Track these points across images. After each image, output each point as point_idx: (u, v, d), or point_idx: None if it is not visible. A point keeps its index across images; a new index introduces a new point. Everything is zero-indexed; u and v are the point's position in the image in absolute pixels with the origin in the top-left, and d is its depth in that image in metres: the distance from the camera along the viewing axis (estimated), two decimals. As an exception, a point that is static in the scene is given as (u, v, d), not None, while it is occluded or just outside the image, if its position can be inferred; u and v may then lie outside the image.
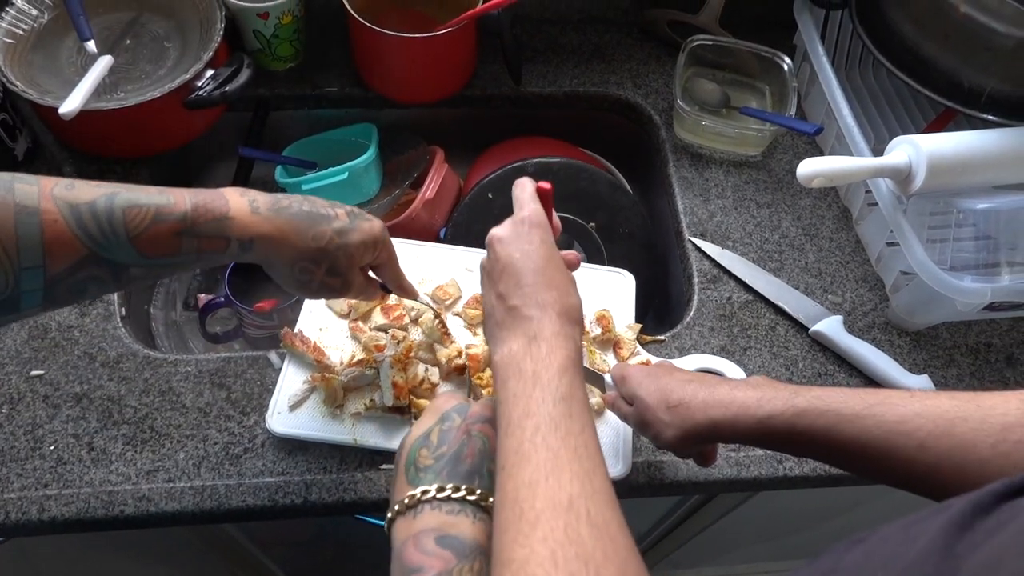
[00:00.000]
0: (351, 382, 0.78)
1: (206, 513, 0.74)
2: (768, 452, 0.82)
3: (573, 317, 0.57)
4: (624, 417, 0.68)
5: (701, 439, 0.62)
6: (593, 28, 1.16)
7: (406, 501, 0.53)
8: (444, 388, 0.80)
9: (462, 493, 0.53)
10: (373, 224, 0.65)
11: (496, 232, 0.61)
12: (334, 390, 0.77)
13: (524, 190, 0.63)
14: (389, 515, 0.54)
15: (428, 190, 1.00)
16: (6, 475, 0.74)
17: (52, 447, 0.76)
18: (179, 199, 0.55)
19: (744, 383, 0.62)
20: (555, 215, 0.65)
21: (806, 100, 1.09)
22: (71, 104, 0.83)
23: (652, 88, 1.11)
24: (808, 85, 1.08)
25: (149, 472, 0.76)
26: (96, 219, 0.52)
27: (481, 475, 0.54)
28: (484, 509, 0.53)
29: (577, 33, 1.15)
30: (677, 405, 0.62)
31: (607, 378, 0.71)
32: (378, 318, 0.83)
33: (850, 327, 0.90)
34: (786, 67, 1.04)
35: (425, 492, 0.53)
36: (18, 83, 0.87)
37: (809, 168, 0.82)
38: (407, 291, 0.74)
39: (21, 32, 0.92)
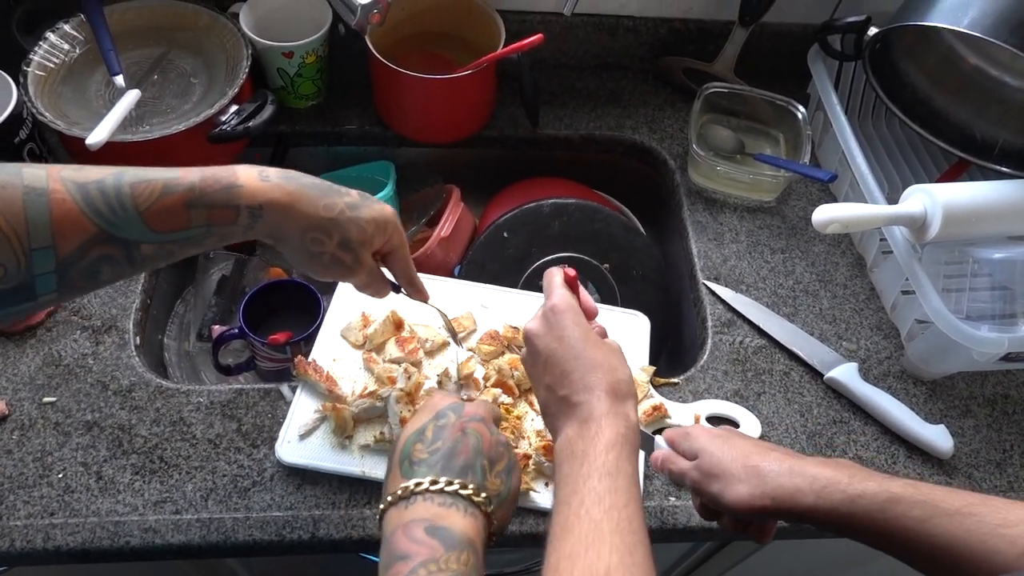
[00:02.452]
0: (362, 413, 0.78)
1: (212, 546, 0.73)
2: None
3: (623, 391, 0.58)
4: (680, 473, 0.65)
5: (774, 508, 0.58)
6: (609, 74, 1.18)
7: (399, 492, 0.54)
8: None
9: (455, 487, 0.54)
10: (385, 207, 0.65)
11: (530, 327, 0.63)
12: (344, 420, 0.77)
13: (551, 281, 0.65)
14: (381, 506, 0.55)
15: (444, 228, 1.01)
16: (13, 502, 0.74)
17: (60, 475, 0.76)
18: (186, 172, 0.55)
19: (833, 462, 0.60)
20: (587, 296, 0.67)
21: (820, 148, 1.10)
22: (98, 135, 0.85)
23: (667, 133, 1.12)
24: (822, 134, 1.09)
25: (156, 503, 0.75)
26: (104, 196, 0.51)
27: (474, 471, 0.56)
28: (476, 504, 0.54)
29: (594, 78, 1.17)
30: (757, 466, 0.60)
31: (659, 440, 0.69)
32: (392, 350, 0.83)
33: (865, 375, 0.89)
34: (800, 115, 1.06)
35: (419, 484, 0.53)
36: (47, 113, 0.88)
37: (825, 214, 0.82)
38: (417, 288, 0.72)
39: (52, 65, 0.94)
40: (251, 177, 0.57)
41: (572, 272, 0.65)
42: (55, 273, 0.51)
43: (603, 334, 0.65)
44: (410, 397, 0.78)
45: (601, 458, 0.54)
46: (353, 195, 0.63)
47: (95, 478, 0.76)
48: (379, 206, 0.64)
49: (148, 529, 0.73)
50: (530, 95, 1.03)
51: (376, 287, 0.69)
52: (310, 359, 0.82)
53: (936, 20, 0.87)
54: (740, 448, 0.62)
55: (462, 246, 1.05)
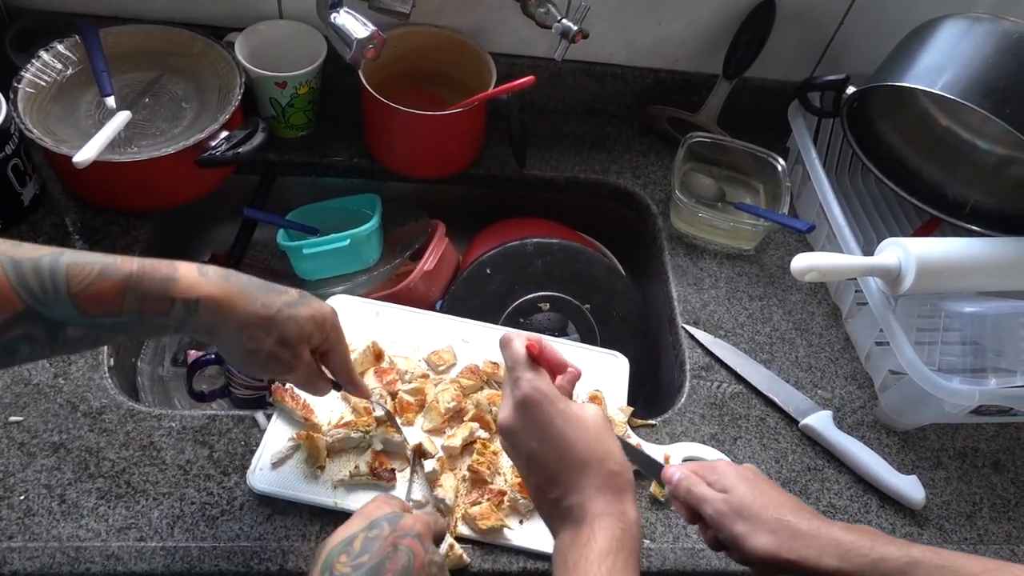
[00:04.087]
0: (336, 443, 0.77)
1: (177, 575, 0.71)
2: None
3: (618, 486, 0.56)
4: (702, 499, 0.63)
5: (795, 565, 0.58)
6: (596, 119, 1.20)
7: None
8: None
9: None
10: (324, 305, 0.65)
11: (504, 422, 0.59)
12: (317, 449, 0.76)
13: (514, 355, 0.60)
14: None
15: (427, 262, 1.01)
16: (-30, 523, 0.71)
17: (22, 497, 0.73)
18: (127, 261, 0.55)
19: (856, 527, 0.60)
20: (552, 351, 0.62)
21: (798, 200, 1.12)
22: (86, 154, 0.85)
23: (650, 179, 1.14)
24: (800, 186, 1.12)
25: (120, 529, 0.73)
26: (38, 274, 0.51)
27: None
28: None
29: (581, 123, 1.19)
30: (787, 522, 0.59)
31: (674, 475, 0.66)
32: (371, 382, 0.83)
33: (839, 423, 0.90)
34: (780, 168, 1.09)
35: None
36: (35, 130, 0.88)
37: (803, 262, 0.84)
38: (357, 387, 0.71)
39: (43, 83, 0.94)
40: (190, 271, 0.57)
41: (536, 347, 0.60)
42: None
43: (576, 379, 0.63)
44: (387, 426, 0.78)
45: (593, 569, 0.51)
46: (292, 294, 0.63)
47: (58, 501, 0.74)
48: (318, 304, 0.64)
49: (110, 556, 0.71)
50: (518, 135, 1.05)
51: (315, 385, 0.68)
52: (287, 386, 0.81)
53: (911, 81, 0.91)
54: (772, 497, 0.62)
55: (445, 281, 1.05)
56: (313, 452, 0.76)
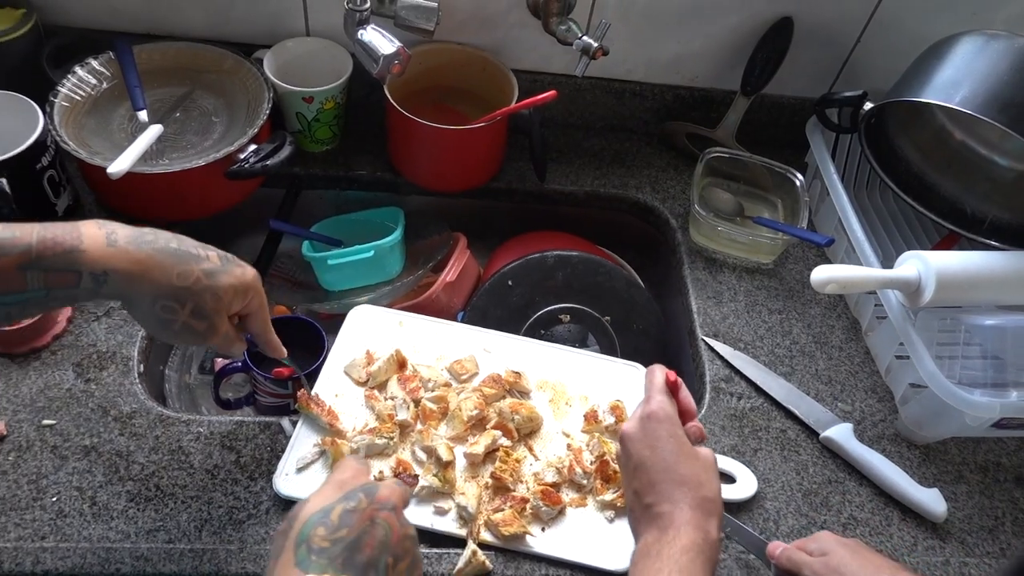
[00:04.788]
0: (361, 449, 0.78)
1: (204, 578, 0.72)
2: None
3: (708, 509, 0.60)
4: (799, 563, 0.67)
5: None
6: (615, 135, 1.22)
7: None
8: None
9: None
10: (246, 270, 0.63)
11: (627, 430, 0.65)
12: (342, 455, 0.77)
13: (653, 382, 0.67)
14: None
15: (449, 273, 1.03)
16: (4, 523, 0.73)
17: (54, 498, 0.75)
18: (25, 233, 0.53)
19: None
20: (687, 395, 0.69)
21: (816, 215, 1.13)
22: (120, 165, 0.87)
23: (669, 194, 1.16)
24: (818, 201, 1.13)
25: (150, 532, 0.74)
26: None
27: (377, 570, 0.51)
28: None
29: (600, 139, 1.21)
30: None
31: (777, 549, 0.71)
32: (394, 389, 0.84)
33: (860, 436, 0.90)
34: (798, 183, 1.10)
35: None
36: (70, 142, 0.91)
37: (823, 274, 0.85)
38: (273, 347, 0.70)
39: (78, 98, 0.97)
40: (96, 241, 0.55)
41: (674, 376, 0.68)
42: None
43: (700, 436, 0.67)
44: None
45: (676, 556, 0.55)
46: (213, 259, 0.61)
47: (89, 503, 0.75)
48: (239, 270, 0.62)
49: (140, 557, 0.72)
50: (539, 150, 1.07)
51: (231, 349, 0.67)
52: (313, 392, 0.82)
53: (929, 97, 0.92)
54: (870, 561, 0.65)
55: (466, 292, 1.06)
56: (338, 458, 0.77)
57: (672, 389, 0.68)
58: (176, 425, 0.82)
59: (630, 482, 0.63)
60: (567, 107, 1.19)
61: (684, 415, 0.67)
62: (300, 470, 0.78)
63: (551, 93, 0.96)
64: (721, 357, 0.97)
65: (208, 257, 0.61)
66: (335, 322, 0.94)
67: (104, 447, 0.79)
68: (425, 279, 1.07)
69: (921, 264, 0.87)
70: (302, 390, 0.82)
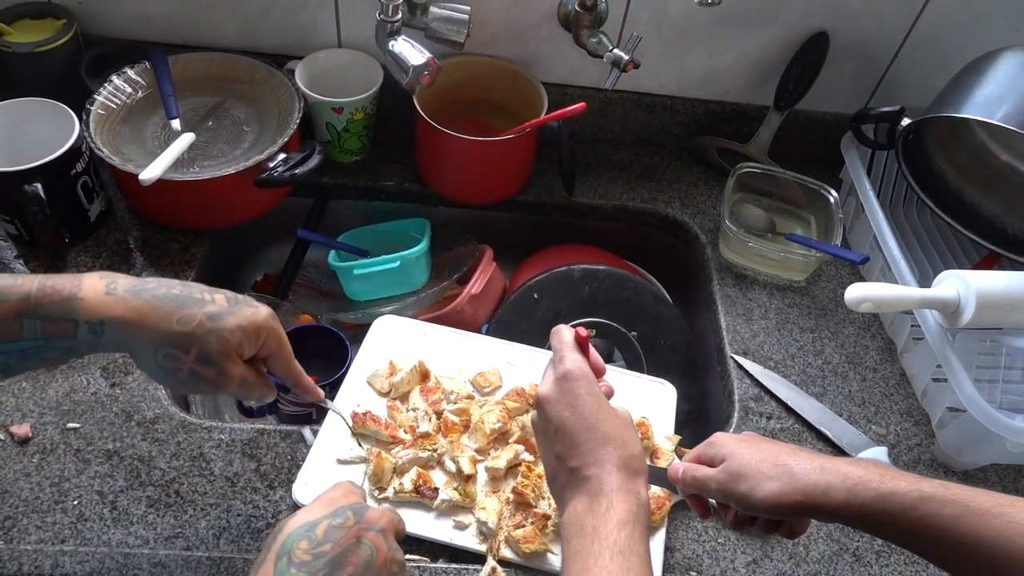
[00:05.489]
0: (406, 464, 0.77)
1: (221, 586, 0.71)
2: (808, 583, 0.78)
3: (633, 468, 0.58)
4: (704, 479, 0.63)
5: (804, 505, 0.58)
6: (644, 150, 1.21)
7: None
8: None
9: None
10: (258, 310, 0.59)
11: (542, 392, 0.62)
12: (383, 471, 0.76)
13: (562, 340, 0.64)
14: None
15: (475, 285, 1.02)
16: (25, 526, 0.73)
17: (76, 502, 0.75)
18: (26, 281, 0.53)
19: (861, 462, 0.61)
20: (596, 355, 0.66)
21: (850, 233, 1.11)
22: (152, 172, 0.88)
23: (699, 209, 1.14)
24: (852, 219, 1.11)
25: (168, 538, 0.74)
26: None
27: None
28: None
29: (629, 153, 1.20)
30: (787, 464, 0.60)
31: (678, 470, 0.67)
32: (417, 400, 0.83)
33: (895, 460, 0.88)
34: (832, 199, 1.07)
35: None
36: (104, 149, 0.92)
37: (858, 292, 0.82)
38: (307, 388, 0.65)
39: (113, 106, 0.98)
40: (95, 290, 0.53)
41: (584, 332, 0.64)
42: None
43: (609, 393, 0.64)
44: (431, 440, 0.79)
45: (613, 535, 0.53)
46: (219, 301, 0.57)
47: (110, 508, 0.75)
48: (249, 311, 0.58)
49: (158, 564, 0.72)
50: (567, 163, 1.06)
51: (258, 394, 0.62)
52: (364, 410, 0.80)
53: (970, 112, 0.90)
54: (768, 450, 0.62)
55: (492, 305, 1.05)
56: (379, 472, 0.76)
57: (582, 346, 0.64)
58: (198, 432, 0.82)
59: (551, 447, 0.61)
60: (596, 121, 1.18)
61: (595, 370, 0.64)
62: (340, 462, 0.78)
63: (581, 105, 0.95)
64: (751, 376, 0.95)
65: (214, 300, 0.57)
66: (359, 332, 0.93)
67: (126, 451, 0.79)
68: (450, 291, 1.06)
69: (961, 284, 0.84)
70: (353, 411, 0.80)
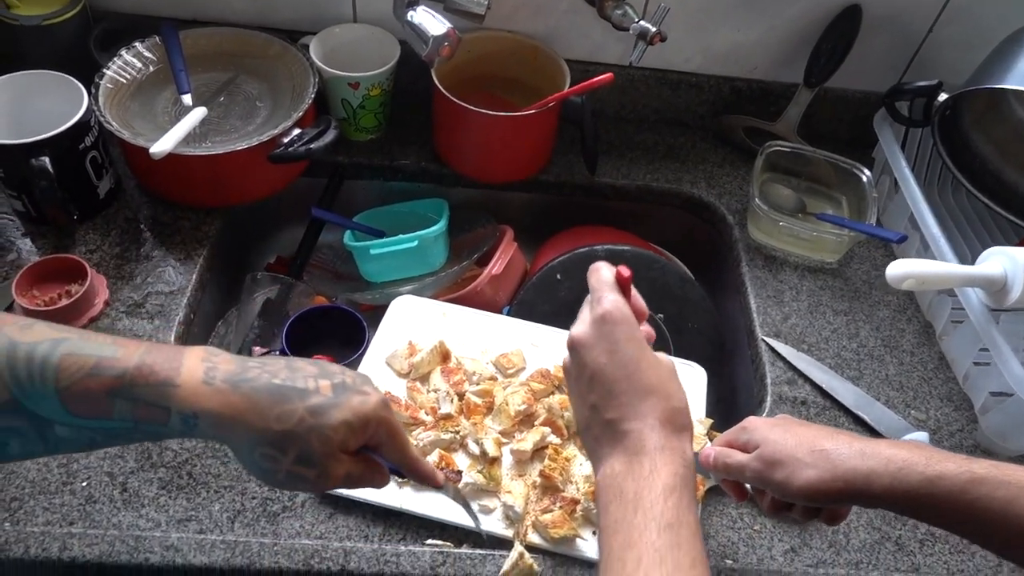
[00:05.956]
0: (428, 446, 0.74)
1: (236, 571, 0.68)
2: (852, 571, 0.74)
3: (679, 423, 0.52)
4: (739, 466, 0.60)
5: (845, 492, 0.55)
6: (668, 130, 1.17)
7: None
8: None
9: None
10: (367, 400, 0.52)
11: (577, 334, 0.55)
12: None
13: (600, 279, 0.56)
14: None
15: (495, 266, 0.98)
16: (32, 507, 0.70)
17: (84, 483, 0.72)
18: (127, 354, 0.48)
19: (905, 443, 0.57)
20: (638, 297, 0.58)
21: (884, 214, 1.07)
22: (163, 145, 0.85)
23: (725, 189, 1.10)
24: (886, 200, 1.07)
25: (181, 521, 0.70)
26: (30, 362, 0.45)
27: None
28: None
29: (652, 133, 1.16)
30: (825, 450, 0.56)
31: (709, 455, 0.64)
32: (437, 381, 0.80)
33: (937, 446, 0.83)
34: (865, 178, 1.04)
35: None
36: (114, 123, 0.89)
37: (900, 269, 0.79)
38: (425, 476, 0.58)
39: (123, 80, 0.95)
40: (194, 376, 0.48)
41: (627, 272, 0.56)
42: None
43: (651, 339, 0.57)
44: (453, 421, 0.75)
45: (659, 505, 0.47)
46: (323, 390, 0.51)
47: (120, 489, 0.72)
48: (357, 400, 0.51)
49: (170, 547, 0.68)
50: (590, 140, 1.03)
51: (368, 483, 0.55)
52: (384, 391, 0.77)
53: (1012, 83, 0.86)
54: (803, 434, 0.58)
55: (513, 286, 1.02)
56: None
57: (623, 287, 0.56)
58: (211, 412, 0.79)
59: (584, 396, 0.54)
60: (619, 99, 1.15)
61: (636, 313, 0.56)
62: None
63: (607, 76, 0.91)
64: (783, 359, 0.91)
65: (318, 389, 0.51)
66: (376, 315, 0.90)
67: (137, 433, 0.76)
68: (469, 272, 1.03)
69: (1008, 261, 0.80)
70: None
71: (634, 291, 0.58)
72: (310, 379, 0.51)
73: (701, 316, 0.98)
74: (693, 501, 0.49)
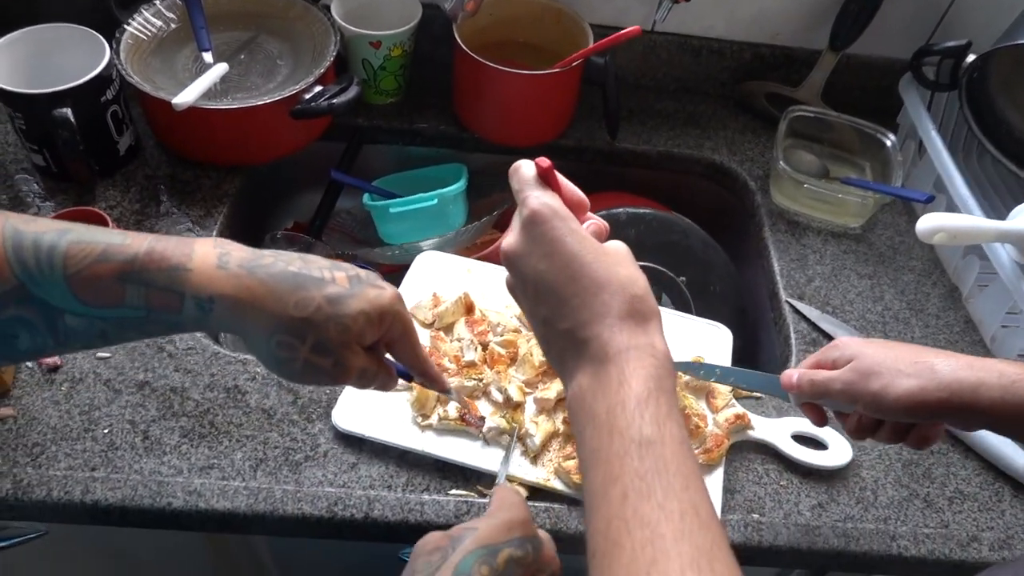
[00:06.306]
0: (453, 392, 0.73)
1: (258, 517, 0.67)
2: (880, 526, 0.73)
3: (641, 312, 0.45)
4: (826, 382, 0.59)
5: (948, 404, 0.53)
6: (689, 97, 1.16)
7: None
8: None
9: None
10: (382, 292, 0.51)
11: (507, 245, 0.48)
12: (427, 397, 0.72)
13: (521, 178, 0.49)
14: None
15: (516, 227, 0.97)
16: (55, 453, 0.69)
17: (106, 430, 0.71)
18: (136, 242, 0.47)
19: (1019, 362, 0.56)
20: (570, 186, 0.50)
21: (908, 180, 1.05)
22: (185, 97, 0.84)
23: (747, 156, 1.09)
24: (910, 165, 1.05)
25: (203, 468, 0.70)
26: (36, 249, 0.45)
27: None
28: None
29: (673, 100, 1.15)
30: (929, 362, 0.54)
31: (792, 376, 0.63)
32: (462, 331, 0.79)
33: (964, 406, 0.82)
34: (890, 142, 1.02)
35: None
36: (135, 76, 0.88)
37: (932, 223, 0.78)
38: (433, 378, 0.58)
39: (143, 37, 0.95)
40: (207, 261, 0.47)
41: (546, 162, 0.48)
42: None
43: (600, 233, 0.49)
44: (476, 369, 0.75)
45: (636, 423, 0.41)
46: (340, 281, 0.50)
47: (141, 437, 0.71)
48: (373, 292, 0.51)
49: (192, 492, 0.68)
50: (613, 103, 1.02)
51: (375, 383, 0.55)
52: None
53: (1047, 39, 0.85)
54: (904, 348, 0.56)
55: (532, 249, 1.01)
56: (422, 399, 0.72)
57: (548, 181, 0.48)
58: (232, 364, 0.78)
59: (535, 311, 0.47)
60: (640, 66, 1.14)
61: (574, 209, 0.49)
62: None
63: (635, 28, 0.90)
64: (808, 320, 0.90)
65: (335, 279, 0.50)
66: (396, 278, 0.89)
67: (158, 383, 0.76)
68: (487, 236, 1.02)
69: (1040, 216, 0.79)
70: None
71: (566, 182, 0.50)
72: (325, 270, 0.50)
73: (724, 279, 0.97)
74: (673, 405, 0.43)
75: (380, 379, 0.54)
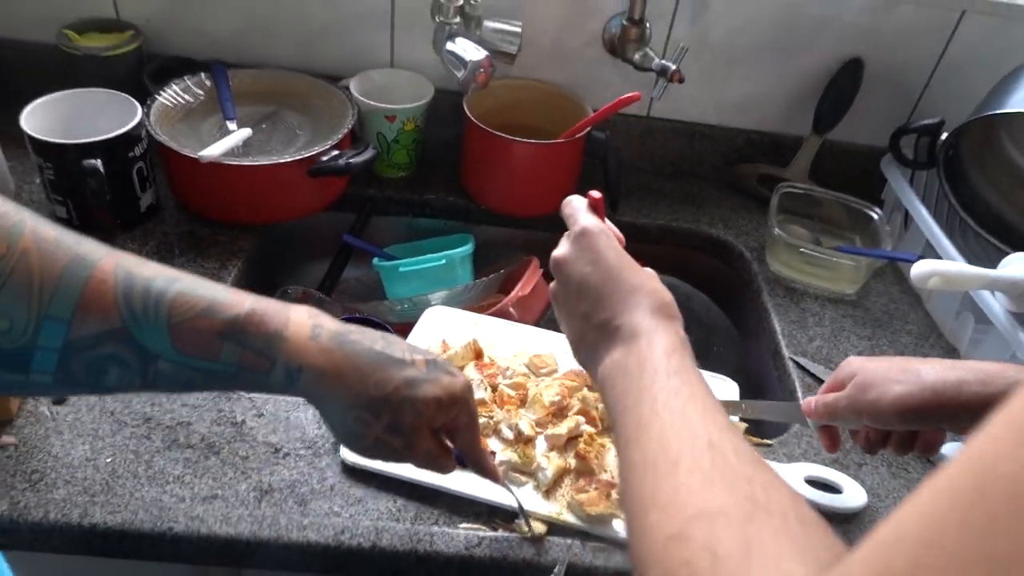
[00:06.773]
0: None
1: (262, 544, 0.65)
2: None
3: (669, 313, 0.52)
4: (834, 402, 0.64)
5: (934, 403, 0.56)
6: (685, 179, 1.22)
7: None
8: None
9: None
10: (455, 380, 0.55)
11: (558, 255, 0.57)
12: None
13: (574, 206, 0.59)
14: None
15: (522, 287, 1.00)
16: (54, 479, 0.67)
17: (109, 459, 0.70)
18: (239, 301, 0.49)
19: (1000, 362, 0.60)
20: (613, 226, 0.59)
21: (897, 249, 1.09)
22: (211, 151, 0.89)
23: (743, 230, 1.14)
24: (898, 239, 1.10)
25: (206, 498, 0.68)
26: (145, 295, 0.46)
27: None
28: None
29: (669, 181, 1.22)
30: (915, 368, 0.59)
31: (810, 403, 0.67)
32: (471, 372, 0.79)
33: (974, 456, 0.82)
34: (876, 216, 1.08)
35: None
36: (163, 135, 0.93)
37: (926, 268, 0.81)
38: (487, 470, 0.62)
39: (173, 105, 1.01)
40: (301, 331, 0.50)
41: (598, 195, 0.59)
42: (58, 352, 0.44)
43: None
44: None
45: (663, 362, 0.46)
46: (418, 364, 0.53)
47: (144, 467, 0.70)
48: (447, 379, 0.54)
49: (195, 518, 0.66)
50: (613, 174, 1.07)
51: (434, 466, 0.58)
52: None
53: (1013, 107, 0.92)
54: (900, 360, 0.61)
55: (539, 312, 1.03)
56: None
57: (596, 210, 0.58)
58: (241, 400, 0.78)
59: (574, 309, 0.54)
60: (638, 149, 1.21)
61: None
62: None
63: (635, 94, 0.97)
64: (812, 375, 0.91)
65: (413, 363, 0.53)
66: (403, 332, 0.90)
67: (164, 416, 0.75)
68: (493, 298, 1.04)
69: (1028, 265, 0.83)
70: None
71: (609, 222, 0.59)
72: (406, 352, 0.54)
73: (726, 342, 0.99)
74: (692, 360, 0.48)
75: (440, 464, 0.57)
